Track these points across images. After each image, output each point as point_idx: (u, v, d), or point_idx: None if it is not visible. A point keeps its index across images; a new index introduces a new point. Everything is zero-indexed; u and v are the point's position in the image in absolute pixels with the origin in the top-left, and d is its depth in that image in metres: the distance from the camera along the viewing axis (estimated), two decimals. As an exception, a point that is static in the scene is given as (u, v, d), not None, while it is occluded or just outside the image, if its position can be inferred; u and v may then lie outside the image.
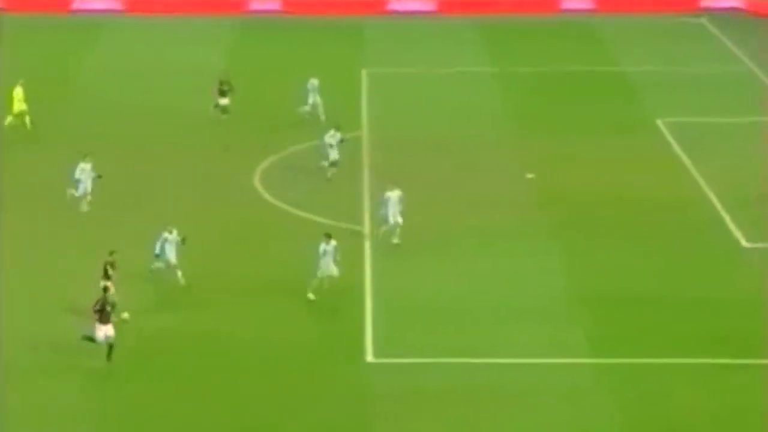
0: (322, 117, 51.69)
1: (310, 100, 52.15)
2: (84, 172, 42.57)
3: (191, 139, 51.11)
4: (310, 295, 36.57)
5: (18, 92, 50.81)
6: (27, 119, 50.54)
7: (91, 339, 32.80)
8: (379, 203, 40.62)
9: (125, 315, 33.21)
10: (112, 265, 35.61)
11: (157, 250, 37.00)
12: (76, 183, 42.54)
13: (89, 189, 42.62)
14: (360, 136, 51.47)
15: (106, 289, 33.32)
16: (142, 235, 39.57)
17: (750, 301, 37.09)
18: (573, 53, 65.67)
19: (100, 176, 42.78)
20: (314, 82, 52.44)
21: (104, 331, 32.62)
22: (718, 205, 44.34)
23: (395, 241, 40.27)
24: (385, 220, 40.23)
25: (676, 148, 50.46)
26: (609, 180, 46.78)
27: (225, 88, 52.57)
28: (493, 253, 40.23)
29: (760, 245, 41.11)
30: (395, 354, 34.02)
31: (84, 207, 42.68)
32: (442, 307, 36.63)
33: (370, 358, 33.87)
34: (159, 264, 37.09)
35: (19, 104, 50.48)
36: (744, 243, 41.32)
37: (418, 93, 58.06)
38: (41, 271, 38.96)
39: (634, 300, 37.04)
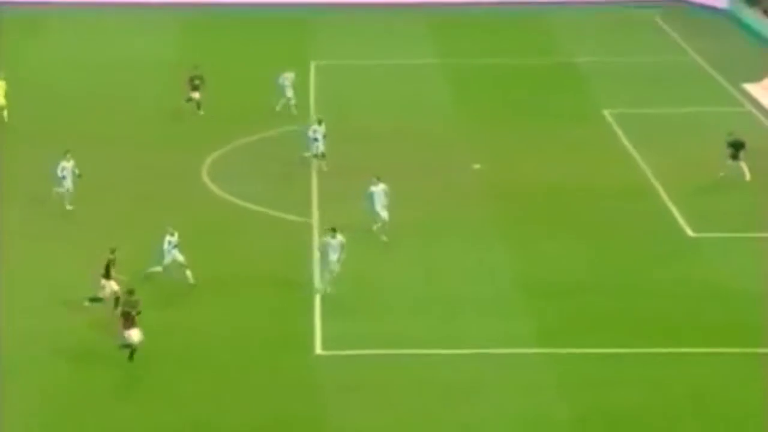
0: (278, 108, 51.92)
1: (289, 93, 52.14)
2: (65, 170, 42.23)
3: (137, 132, 50.88)
4: (327, 288, 36.34)
5: (0, 85, 50.91)
6: (5, 113, 50.65)
7: (127, 345, 32.42)
8: (364, 198, 40.35)
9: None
10: (113, 263, 35.30)
11: (165, 247, 36.76)
12: (60, 181, 42.21)
13: (71, 187, 42.25)
14: (309, 127, 51.34)
15: (131, 293, 32.84)
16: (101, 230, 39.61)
17: (697, 290, 37.36)
18: (520, 44, 65.98)
19: (80, 175, 42.41)
20: (290, 75, 52.46)
21: (131, 336, 32.37)
22: (665, 196, 44.64)
23: (383, 238, 40.00)
24: (374, 216, 39.97)
25: (623, 139, 50.74)
26: (556, 170, 46.98)
27: (197, 82, 52.35)
28: (441, 245, 40.30)
29: (706, 235, 41.41)
30: (344, 346, 34.02)
31: (67, 205, 42.33)
32: (390, 298, 36.67)
33: (319, 350, 33.86)
34: (159, 266, 36.81)
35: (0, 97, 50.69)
36: (690, 233, 41.62)
37: (366, 85, 58.09)
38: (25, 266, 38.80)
39: (581, 290, 37.21)
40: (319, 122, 46.79)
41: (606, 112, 53.94)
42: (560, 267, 38.86)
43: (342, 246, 36.24)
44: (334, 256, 36.09)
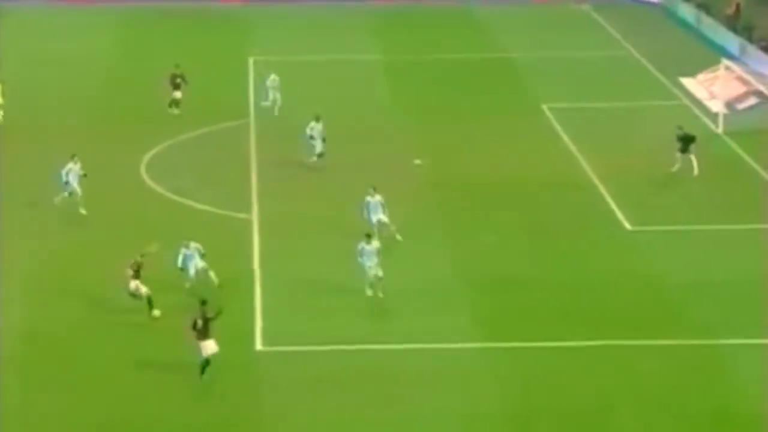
0: (277, 113, 51.35)
1: (271, 96, 51.71)
2: (72, 172, 41.30)
3: (73, 128, 50.53)
4: (379, 293, 35.84)
5: None
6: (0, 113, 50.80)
7: (207, 363, 31.45)
8: (361, 206, 39.94)
9: (156, 312, 33.07)
10: (141, 265, 34.98)
11: (180, 264, 36.11)
12: (64, 185, 41.23)
13: (78, 190, 41.33)
14: (248, 124, 51.32)
15: (204, 303, 32.01)
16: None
17: (636, 283, 37.61)
18: (458, 40, 66.25)
19: (85, 175, 41.58)
20: (275, 78, 51.98)
21: (206, 348, 31.55)
22: (603, 189, 44.92)
23: (398, 237, 39.60)
24: (369, 223, 39.61)
25: (562, 133, 51.03)
26: (496, 165, 47.16)
27: (178, 81, 51.63)
28: (381, 239, 40.21)
29: (644, 228, 41.73)
30: (285, 342, 33.97)
31: (82, 209, 41.44)
32: (330, 293, 36.62)
33: (259, 346, 33.79)
34: (189, 281, 36.13)
35: None
36: (628, 226, 41.92)
37: (305, 81, 57.97)
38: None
39: (520, 283, 37.36)
40: (317, 119, 46.19)
41: (545, 107, 54.21)
42: (499, 261, 39.01)
43: (378, 251, 35.75)
44: (370, 262, 35.60)
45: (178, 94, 51.73)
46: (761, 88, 49.98)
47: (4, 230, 40.68)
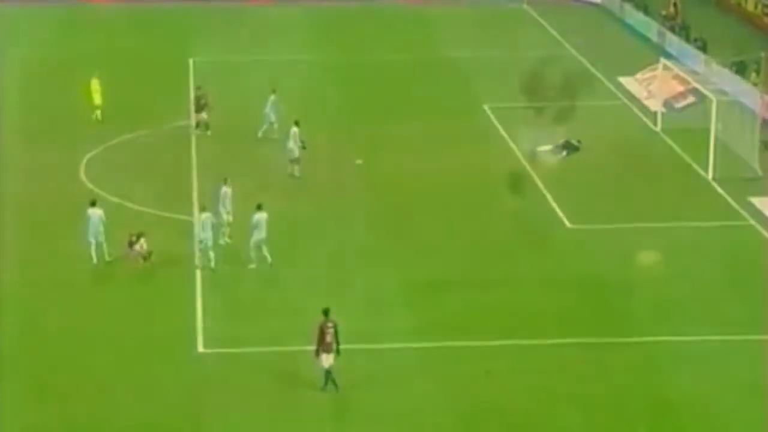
0: (260, 133, 49.77)
1: (272, 117, 49.59)
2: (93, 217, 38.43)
3: (10, 131, 50.18)
4: None
5: (95, 84, 50.81)
6: (98, 112, 50.73)
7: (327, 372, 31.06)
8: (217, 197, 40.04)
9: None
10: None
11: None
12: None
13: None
14: (188, 125, 51.11)
15: (327, 312, 31.44)
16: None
17: (575, 281, 37.86)
18: (398, 39, 66.34)
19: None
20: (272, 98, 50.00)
21: (324, 361, 31.14)
22: (543, 189, 45.17)
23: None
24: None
25: (503, 133, 51.23)
26: (438, 165, 47.30)
27: (202, 102, 49.96)
28: (323, 240, 40.32)
29: (583, 226, 42.02)
30: (226, 344, 33.91)
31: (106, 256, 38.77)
32: (271, 296, 36.63)
33: (201, 348, 33.72)
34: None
35: (97, 96, 50.84)
36: (568, 224, 42.19)
37: (245, 81, 57.82)
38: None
39: (461, 283, 37.46)
40: (296, 123, 45.41)
41: (486, 107, 54.41)
42: (440, 260, 39.10)
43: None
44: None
45: (200, 116, 49.83)
46: (698, 86, 50.42)
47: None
